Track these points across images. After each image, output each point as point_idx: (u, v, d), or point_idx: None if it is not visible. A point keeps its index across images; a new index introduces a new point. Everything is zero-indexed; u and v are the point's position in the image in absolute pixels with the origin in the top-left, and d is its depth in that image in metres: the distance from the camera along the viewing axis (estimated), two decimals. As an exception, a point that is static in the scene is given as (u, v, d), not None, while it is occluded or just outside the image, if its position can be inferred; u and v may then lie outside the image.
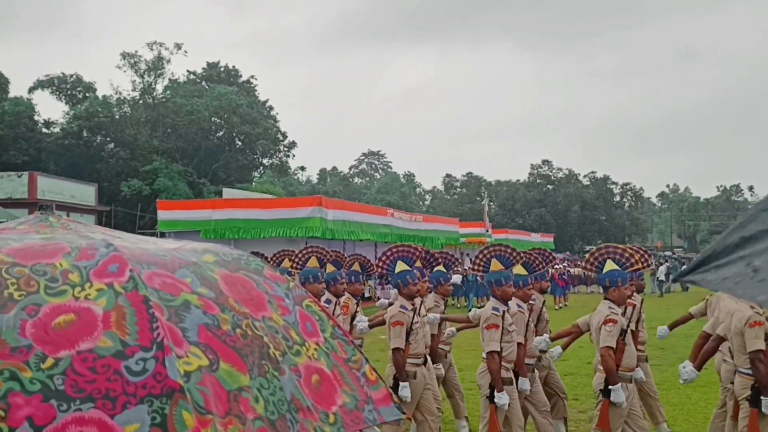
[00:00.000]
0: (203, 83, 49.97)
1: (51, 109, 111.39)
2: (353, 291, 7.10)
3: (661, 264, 33.50)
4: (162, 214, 22.35)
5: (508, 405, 5.40)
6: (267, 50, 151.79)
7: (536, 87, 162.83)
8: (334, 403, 2.01)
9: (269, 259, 8.49)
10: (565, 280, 27.30)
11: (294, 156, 53.49)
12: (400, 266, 6.00)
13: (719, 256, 1.27)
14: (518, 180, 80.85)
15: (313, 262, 7.13)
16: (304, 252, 7.70)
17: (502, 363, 5.48)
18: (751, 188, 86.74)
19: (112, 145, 44.19)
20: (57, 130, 43.79)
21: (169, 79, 46.75)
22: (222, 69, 52.02)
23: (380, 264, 6.48)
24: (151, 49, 45.68)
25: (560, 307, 24.31)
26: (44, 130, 44.14)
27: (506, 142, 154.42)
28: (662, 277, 30.77)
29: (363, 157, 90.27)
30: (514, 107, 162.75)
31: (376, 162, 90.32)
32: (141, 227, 37.87)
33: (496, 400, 5.37)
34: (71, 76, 46.29)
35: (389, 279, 6.81)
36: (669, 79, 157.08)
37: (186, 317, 1.78)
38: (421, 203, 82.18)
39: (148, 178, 40.66)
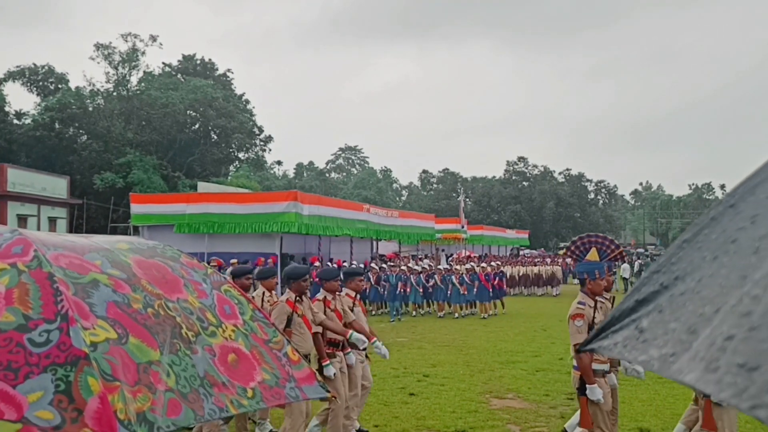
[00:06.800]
0: (179, 76, 49.44)
1: (22, 101, 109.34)
2: None
3: (626, 262, 33.66)
4: (135, 208, 22.08)
5: None
6: (248, 46, 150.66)
7: (513, 85, 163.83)
8: (252, 379, 2.08)
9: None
10: (496, 280, 20.56)
11: (270, 150, 53.30)
12: (593, 255, 5.94)
13: (615, 322, 1.25)
14: (494, 176, 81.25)
15: (593, 255, 6.14)
16: (583, 241, 6.53)
17: None
18: (722, 186, 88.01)
19: (85, 138, 43.57)
20: (28, 121, 43.07)
21: (144, 72, 46.24)
22: (198, 62, 51.51)
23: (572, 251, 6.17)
24: (126, 41, 45.18)
25: (488, 316, 19.42)
26: (15, 121, 43.39)
27: (482, 139, 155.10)
28: (626, 275, 30.92)
29: (340, 152, 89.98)
30: (491, 104, 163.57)
31: (353, 157, 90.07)
32: (114, 221, 37.41)
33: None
34: (43, 67, 45.58)
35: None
36: (644, 78, 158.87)
37: (94, 294, 1.82)
38: (397, 199, 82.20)
39: (122, 171, 40.17)
